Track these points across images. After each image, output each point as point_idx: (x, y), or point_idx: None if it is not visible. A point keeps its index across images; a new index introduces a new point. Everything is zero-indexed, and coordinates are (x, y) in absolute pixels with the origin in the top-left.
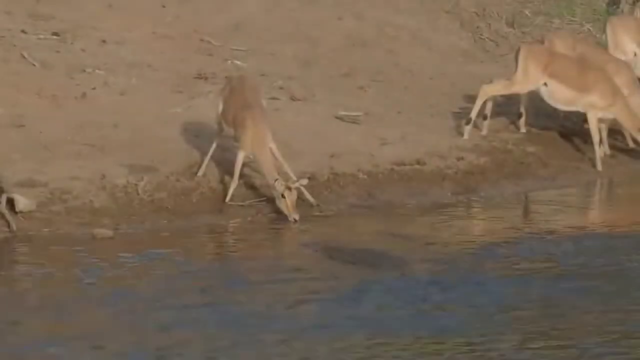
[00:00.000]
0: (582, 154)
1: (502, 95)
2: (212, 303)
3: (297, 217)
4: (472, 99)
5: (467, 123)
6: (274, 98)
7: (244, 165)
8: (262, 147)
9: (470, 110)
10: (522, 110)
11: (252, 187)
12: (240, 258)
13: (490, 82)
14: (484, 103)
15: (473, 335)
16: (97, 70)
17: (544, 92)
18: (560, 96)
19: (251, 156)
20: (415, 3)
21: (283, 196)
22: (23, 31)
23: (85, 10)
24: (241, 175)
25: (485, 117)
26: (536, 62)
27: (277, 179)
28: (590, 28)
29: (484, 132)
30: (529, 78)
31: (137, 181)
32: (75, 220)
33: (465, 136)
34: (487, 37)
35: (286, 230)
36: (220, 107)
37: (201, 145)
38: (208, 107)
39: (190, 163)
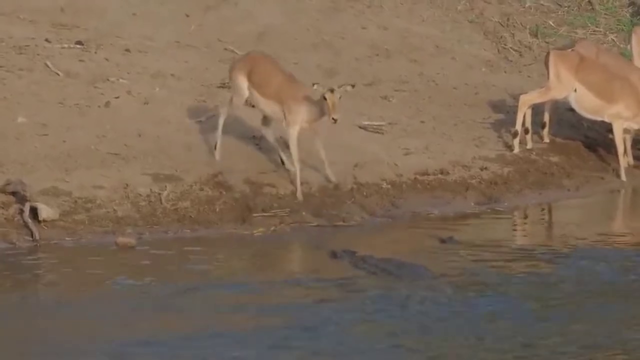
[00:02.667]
0: (606, 164)
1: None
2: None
3: (336, 117)
4: (495, 108)
5: (515, 136)
6: None
7: (267, 175)
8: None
9: (495, 120)
10: (546, 120)
11: (275, 197)
12: (261, 267)
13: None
14: (525, 114)
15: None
16: (120, 79)
17: (572, 99)
18: (587, 104)
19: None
20: (439, 13)
21: (325, 98)
22: (47, 40)
23: (109, 19)
24: (264, 185)
25: (527, 131)
26: (567, 65)
27: (317, 83)
28: (614, 38)
29: (529, 145)
30: (562, 82)
31: (160, 190)
32: (99, 229)
33: (516, 150)
34: (510, 47)
35: (309, 240)
36: (245, 83)
37: (225, 155)
38: (232, 117)
39: (213, 172)
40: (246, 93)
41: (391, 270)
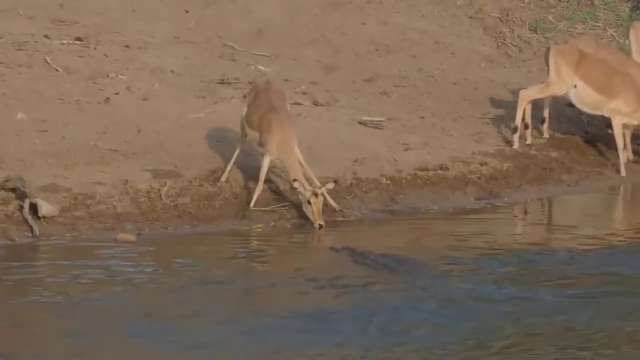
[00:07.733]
0: (605, 159)
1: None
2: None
3: (322, 223)
4: (495, 104)
5: (514, 132)
6: (297, 103)
7: (268, 170)
8: (289, 152)
9: (494, 115)
10: (545, 115)
11: (275, 192)
12: (263, 263)
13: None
14: (525, 109)
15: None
16: (120, 75)
17: (572, 95)
18: (587, 100)
19: (278, 161)
20: (439, 8)
21: (309, 202)
22: (46, 36)
23: (108, 15)
24: (265, 181)
25: (526, 126)
26: (567, 61)
27: (303, 185)
28: (614, 33)
29: (529, 140)
30: (562, 78)
31: (160, 186)
32: (98, 225)
33: (515, 145)
34: (510, 43)
35: (309, 235)
36: (245, 112)
37: (224, 151)
38: (231, 113)
39: (213, 168)
40: None
41: (392, 266)
